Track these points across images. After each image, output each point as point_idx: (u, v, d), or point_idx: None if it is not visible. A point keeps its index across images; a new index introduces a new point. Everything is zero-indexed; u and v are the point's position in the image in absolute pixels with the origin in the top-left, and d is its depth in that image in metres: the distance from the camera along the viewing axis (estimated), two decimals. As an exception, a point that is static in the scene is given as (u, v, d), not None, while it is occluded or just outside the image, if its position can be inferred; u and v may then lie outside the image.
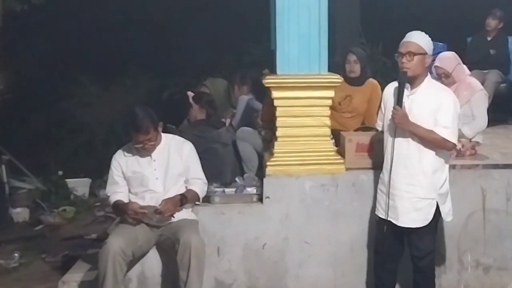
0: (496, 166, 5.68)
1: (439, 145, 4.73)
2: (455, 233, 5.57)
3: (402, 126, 4.71)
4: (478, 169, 5.66)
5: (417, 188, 4.77)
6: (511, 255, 5.65)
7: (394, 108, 4.73)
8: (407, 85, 4.76)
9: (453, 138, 4.73)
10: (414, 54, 4.69)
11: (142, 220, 5.07)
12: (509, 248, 5.65)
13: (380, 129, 5.17)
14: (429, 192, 4.78)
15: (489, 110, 6.31)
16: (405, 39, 4.78)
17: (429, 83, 4.84)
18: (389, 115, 4.82)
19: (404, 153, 4.77)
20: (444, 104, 4.72)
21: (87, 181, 9.90)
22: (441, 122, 4.68)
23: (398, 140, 4.78)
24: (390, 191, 4.82)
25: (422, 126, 4.69)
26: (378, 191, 5.05)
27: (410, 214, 4.79)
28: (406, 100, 4.75)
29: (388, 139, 4.89)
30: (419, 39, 4.76)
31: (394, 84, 4.92)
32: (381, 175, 5.03)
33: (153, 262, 5.34)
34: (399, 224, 4.83)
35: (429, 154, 4.76)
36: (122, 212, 5.11)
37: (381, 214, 4.97)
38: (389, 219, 4.86)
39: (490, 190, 5.60)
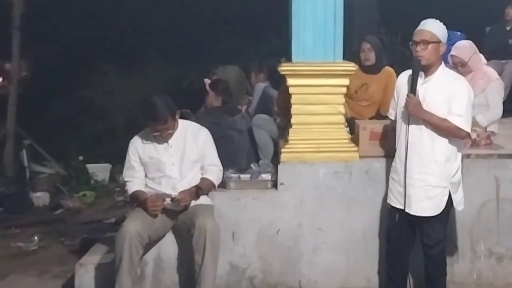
0: (510, 156, 5.66)
1: (453, 133, 4.74)
2: (468, 222, 5.56)
3: (416, 114, 4.72)
4: (493, 158, 5.65)
5: (429, 176, 4.77)
6: (524, 245, 5.65)
7: (407, 96, 4.74)
8: (421, 73, 4.77)
9: (466, 127, 4.73)
10: (428, 42, 4.70)
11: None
12: (522, 238, 5.64)
13: (392, 118, 5.17)
14: (441, 180, 4.79)
15: (506, 100, 6.29)
16: (419, 27, 4.79)
17: (443, 72, 4.84)
18: (402, 103, 4.83)
19: (417, 141, 4.77)
20: (458, 93, 4.72)
21: (107, 166, 10.01)
22: (455, 111, 4.68)
23: (411, 128, 4.78)
24: (403, 179, 4.83)
25: (436, 115, 4.70)
26: (390, 179, 5.06)
27: (423, 203, 4.80)
28: (420, 88, 4.76)
29: (401, 127, 4.90)
30: (433, 27, 4.76)
31: (408, 72, 4.93)
32: (393, 163, 5.04)
33: (169, 245, 5.40)
34: (411, 213, 4.84)
35: (442, 142, 4.77)
36: (141, 204, 5.15)
37: (393, 202, 4.99)
38: (401, 207, 4.88)
39: (504, 179, 5.58)
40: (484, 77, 6.09)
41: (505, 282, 5.65)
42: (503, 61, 8.25)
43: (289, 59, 5.89)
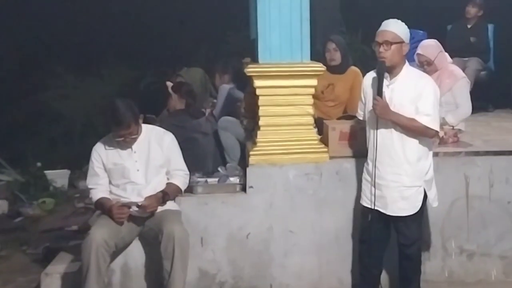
0: (479, 153, 5.70)
1: (422, 133, 4.74)
2: (439, 220, 5.58)
3: (384, 117, 4.70)
4: (461, 156, 5.69)
5: (402, 177, 4.77)
6: (494, 241, 5.68)
7: (374, 98, 4.71)
8: (386, 74, 4.75)
9: (435, 125, 4.73)
10: (391, 43, 4.68)
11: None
12: (492, 235, 5.68)
13: (361, 118, 5.14)
14: (415, 180, 4.79)
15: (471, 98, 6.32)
16: (381, 28, 4.76)
17: (407, 72, 4.83)
18: (370, 106, 4.82)
19: (387, 143, 4.77)
20: (424, 92, 4.72)
21: (66, 172, 9.80)
22: (422, 110, 4.68)
23: (381, 130, 4.77)
24: (376, 181, 4.82)
25: (404, 115, 4.68)
26: (363, 180, 5.03)
27: (398, 203, 4.80)
28: (386, 90, 4.74)
29: (370, 129, 4.88)
30: (395, 27, 4.73)
31: (373, 74, 4.91)
32: (365, 164, 5.02)
33: (136, 253, 5.32)
34: (388, 213, 4.84)
35: (413, 142, 4.76)
36: (107, 212, 5.05)
37: (366, 203, 4.97)
38: (376, 208, 4.86)
39: (473, 177, 5.62)
40: (451, 75, 6.11)
41: (476, 279, 5.69)
42: (465, 58, 8.31)
43: (253, 59, 5.83)
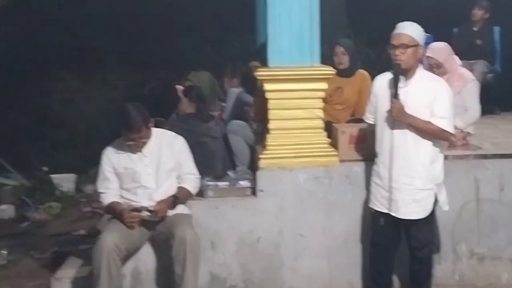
0: (488, 156, 5.70)
1: (437, 135, 4.74)
2: (449, 223, 5.57)
3: (401, 119, 4.69)
4: (471, 159, 5.68)
5: (415, 180, 4.76)
6: (505, 245, 5.67)
7: (391, 101, 4.70)
8: (401, 77, 4.75)
9: (450, 128, 4.75)
10: (408, 46, 4.67)
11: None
12: (503, 238, 5.67)
13: (370, 122, 5.12)
14: (427, 182, 4.78)
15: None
16: (397, 31, 4.76)
17: (421, 74, 4.84)
18: (383, 108, 4.81)
19: (401, 145, 4.76)
20: (439, 95, 4.73)
21: (72, 176, 9.81)
22: (438, 113, 4.68)
23: (396, 132, 4.77)
24: (391, 184, 4.81)
25: (419, 118, 4.68)
26: (373, 184, 5.02)
27: (410, 206, 4.79)
28: (400, 92, 4.73)
29: (384, 132, 4.86)
30: (411, 30, 4.74)
31: (384, 76, 4.92)
32: (375, 167, 5.01)
33: (147, 257, 5.31)
34: (399, 216, 4.83)
35: (426, 145, 4.76)
36: (117, 216, 5.05)
37: (377, 207, 4.96)
38: (387, 211, 4.86)
39: (483, 180, 5.61)
40: (460, 78, 6.10)
41: (487, 282, 5.68)
42: (472, 61, 8.28)
43: (261, 62, 5.82)
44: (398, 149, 4.77)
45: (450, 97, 4.78)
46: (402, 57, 4.68)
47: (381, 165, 4.91)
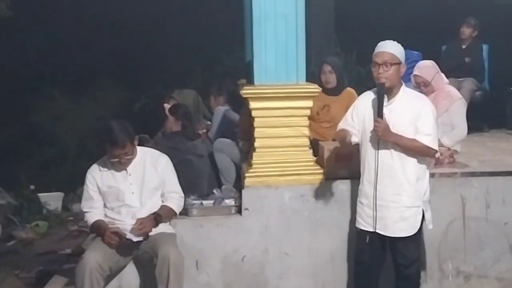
0: (475, 174, 5.70)
1: (422, 152, 4.75)
2: (436, 241, 5.56)
3: (386, 138, 4.68)
4: (457, 177, 5.68)
5: (403, 197, 4.75)
6: (491, 263, 5.66)
7: (376, 121, 4.68)
8: (385, 96, 4.74)
9: (435, 145, 4.76)
10: (391, 63, 4.67)
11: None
12: (489, 256, 5.66)
13: (357, 140, 5.00)
14: (414, 200, 4.78)
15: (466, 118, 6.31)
16: (379, 49, 4.75)
17: (404, 92, 4.84)
18: (368, 127, 4.79)
19: (388, 163, 4.74)
20: (423, 112, 4.73)
21: (59, 195, 9.76)
22: (423, 130, 4.69)
23: (381, 151, 4.75)
24: (377, 202, 4.78)
25: (404, 136, 4.68)
26: (358, 203, 4.99)
27: (398, 224, 4.77)
28: (384, 111, 4.71)
29: (369, 151, 4.84)
30: (393, 48, 4.74)
31: (368, 94, 4.93)
32: (360, 187, 4.98)
33: (130, 276, 5.26)
34: (387, 234, 4.81)
35: (412, 162, 4.76)
36: (102, 236, 5.01)
37: (362, 226, 4.92)
38: (373, 230, 4.83)
39: (470, 198, 5.61)
40: (447, 96, 6.11)
41: (473, 301, 5.65)
42: (460, 79, 8.31)
43: (248, 80, 5.81)
44: (383, 167, 4.75)
45: (434, 114, 4.79)
46: (386, 74, 4.67)
47: (366, 184, 4.89)
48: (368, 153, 4.86)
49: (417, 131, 4.69)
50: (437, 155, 5.62)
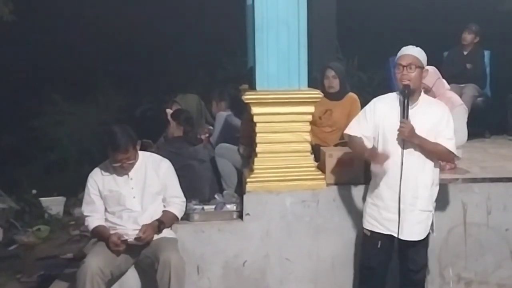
0: (476, 180, 5.70)
1: (444, 157, 4.88)
2: (436, 247, 5.54)
3: (411, 139, 4.69)
4: (458, 183, 5.68)
5: (419, 201, 4.79)
6: (492, 269, 5.66)
7: (401, 121, 4.68)
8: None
9: (455, 150, 4.81)
10: (415, 66, 4.72)
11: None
12: (490, 262, 5.65)
13: (353, 134, 4.98)
14: (428, 204, 4.83)
15: (467, 124, 6.31)
16: (405, 52, 4.79)
17: (424, 97, 4.91)
18: (389, 129, 4.76)
19: (410, 166, 4.73)
20: (445, 117, 4.81)
21: (61, 199, 9.76)
22: (445, 134, 4.75)
23: (407, 154, 4.72)
24: (399, 205, 4.77)
25: (428, 139, 4.70)
26: (371, 205, 4.95)
27: (414, 227, 4.80)
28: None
29: (395, 152, 4.76)
30: (417, 52, 4.80)
31: (385, 98, 4.94)
32: (373, 189, 4.95)
33: (131, 281, 5.26)
34: (402, 238, 4.81)
35: (430, 166, 4.81)
36: (103, 240, 5.02)
37: (377, 228, 4.89)
38: (389, 233, 4.83)
39: (471, 204, 5.61)
40: (448, 102, 6.07)
41: (474, 307, 5.65)
42: (462, 85, 8.31)
43: (250, 86, 5.82)
44: (408, 169, 4.72)
45: (452, 120, 4.85)
46: (409, 76, 4.71)
47: (383, 186, 4.85)
48: (391, 156, 4.78)
49: (438, 135, 4.73)
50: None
